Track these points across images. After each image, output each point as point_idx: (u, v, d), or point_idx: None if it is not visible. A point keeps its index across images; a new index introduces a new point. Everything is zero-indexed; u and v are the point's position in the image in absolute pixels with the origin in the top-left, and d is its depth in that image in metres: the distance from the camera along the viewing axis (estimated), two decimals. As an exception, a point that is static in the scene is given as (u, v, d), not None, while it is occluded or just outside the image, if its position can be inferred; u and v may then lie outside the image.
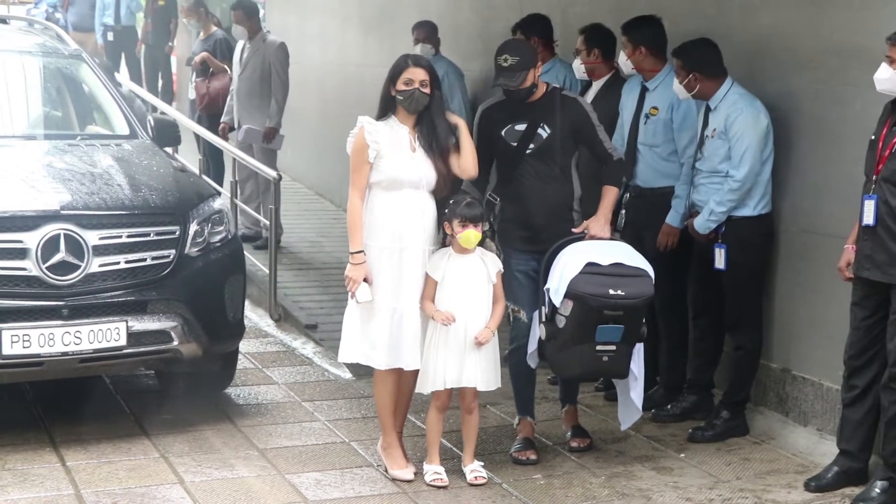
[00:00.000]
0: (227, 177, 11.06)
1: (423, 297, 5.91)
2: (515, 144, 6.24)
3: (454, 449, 6.35)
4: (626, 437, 6.62)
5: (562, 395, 6.72)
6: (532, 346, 6.17)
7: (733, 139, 6.52)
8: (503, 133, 6.25)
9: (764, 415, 6.88)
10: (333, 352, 8.00)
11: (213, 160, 11.63)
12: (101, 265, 6.29)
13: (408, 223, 5.90)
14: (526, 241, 6.24)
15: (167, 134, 7.83)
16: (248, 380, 7.69)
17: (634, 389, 6.18)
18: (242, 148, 10.71)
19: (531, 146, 6.23)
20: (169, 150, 8.04)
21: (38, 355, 6.13)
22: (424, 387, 5.96)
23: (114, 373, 7.38)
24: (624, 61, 7.06)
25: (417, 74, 5.89)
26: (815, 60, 6.49)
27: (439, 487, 5.92)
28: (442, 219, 5.95)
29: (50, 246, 6.17)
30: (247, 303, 7.56)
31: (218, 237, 6.84)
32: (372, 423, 6.82)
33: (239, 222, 10.37)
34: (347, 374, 7.83)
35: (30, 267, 6.14)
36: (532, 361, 6.25)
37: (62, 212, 6.29)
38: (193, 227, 6.65)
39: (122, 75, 16.16)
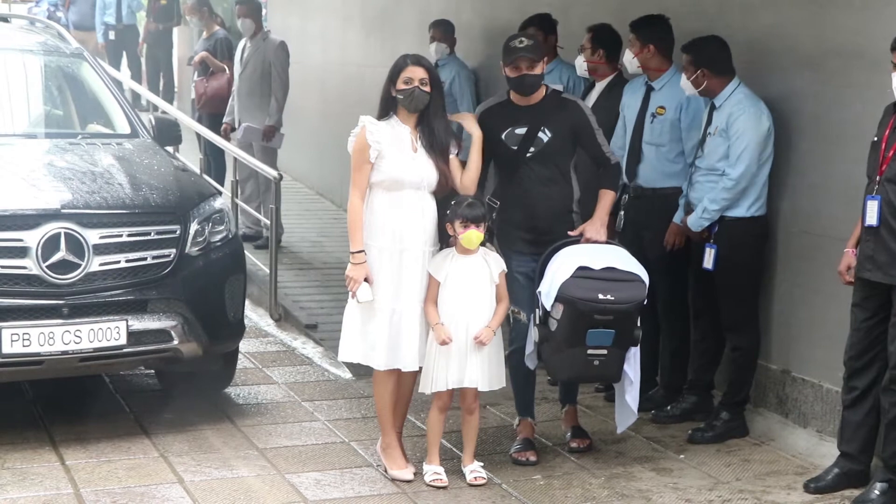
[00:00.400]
0: (228, 176, 11.06)
1: (427, 300, 5.92)
2: (516, 148, 6.24)
3: (454, 449, 6.35)
4: (626, 438, 6.62)
5: (561, 395, 6.72)
6: (530, 347, 6.17)
7: (733, 137, 6.52)
8: (503, 137, 6.25)
9: (764, 416, 6.88)
10: (334, 352, 8.00)
11: (214, 159, 11.64)
12: (101, 264, 6.29)
13: (408, 224, 5.90)
14: (527, 244, 6.24)
15: (168, 133, 7.83)
16: (248, 379, 7.69)
17: (629, 393, 6.18)
18: (242, 146, 10.71)
19: (531, 149, 6.23)
20: (170, 149, 8.04)
21: (38, 354, 6.13)
22: (426, 387, 5.96)
23: (114, 372, 7.39)
24: (630, 59, 7.03)
25: (417, 73, 5.89)
26: (816, 61, 6.49)
27: (439, 488, 5.92)
28: (444, 219, 5.95)
29: (50, 245, 6.17)
30: (247, 302, 7.56)
31: (218, 236, 6.84)
32: (372, 423, 6.81)
33: (239, 222, 10.37)
34: (347, 374, 7.83)
35: (30, 265, 6.14)
36: (530, 362, 6.25)
37: (63, 210, 6.29)
38: (194, 227, 6.65)
39: (123, 74, 16.18)
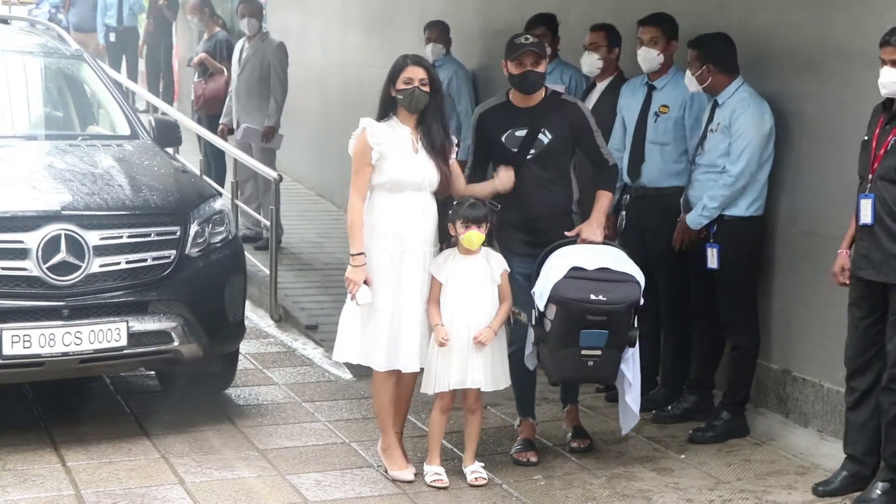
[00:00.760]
0: (228, 177, 11.06)
1: (430, 300, 5.92)
2: (516, 150, 6.24)
3: (454, 450, 6.35)
4: (627, 438, 6.62)
5: (562, 395, 6.72)
6: (529, 347, 6.16)
7: (735, 135, 6.53)
8: (503, 139, 6.25)
9: (764, 416, 6.88)
10: (334, 352, 8.03)
11: (214, 161, 11.64)
12: (101, 265, 6.29)
13: (409, 225, 5.89)
14: (526, 245, 6.23)
15: (168, 134, 7.83)
16: (249, 380, 7.69)
17: (629, 394, 6.17)
18: (241, 147, 10.71)
19: (532, 151, 6.23)
20: (170, 150, 8.04)
21: (38, 355, 6.13)
22: (428, 388, 5.97)
23: (114, 373, 7.39)
24: (654, 56, 6.98)
25: (417, 73, 5.89)
26: (817, 61, 6.49)
27: (440, 488, 5.92)
28: (445, 220, 5.95)
29: (51, 246, 6.17)
30: (247, 303, 7.56)
31: (219, 238, 6.84)
32: (372, 424, 6.81)
33: (240, 223, 10.37)
34: (348, 375, 7.83)
35: (30, 267, 6.14)
36: (530, 363, 6.25)
37: (63, 212, 6.29)
38: (194, 228, 6.65)
39: (122, 75, 16.18)
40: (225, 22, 13.10)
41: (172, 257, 6.52)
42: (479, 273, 5.94)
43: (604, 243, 6.22)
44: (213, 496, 5.79)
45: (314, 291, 9.82)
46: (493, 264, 5.98)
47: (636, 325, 6.01)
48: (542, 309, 5.94)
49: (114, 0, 17.70)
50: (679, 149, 6.97)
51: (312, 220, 12.44)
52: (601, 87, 7.54)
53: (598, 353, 5.92)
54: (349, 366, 7.62)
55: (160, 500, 5.73)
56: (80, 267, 6.22)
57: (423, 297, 5.93)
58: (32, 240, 6.16)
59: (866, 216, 5.59)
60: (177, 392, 7.08)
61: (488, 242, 6.05)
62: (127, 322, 6.28)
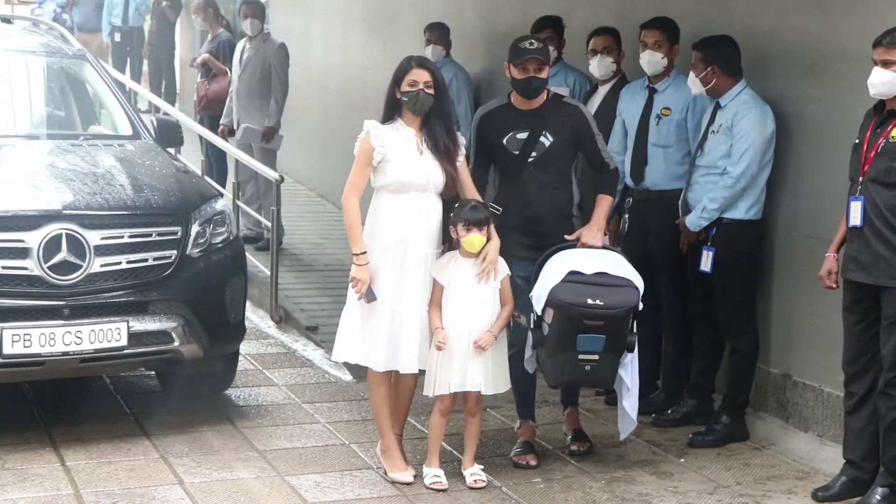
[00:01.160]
0: (230, 178, 11.06)
1: (431, 303, 5.92)
2: (517, 153, 6.23)
3: (454, 452, 6.34)
4: (627, 442, 6.61)
5: (563, 398, 6.72)
6: (529, 350, 6.16)
7: (736, 136, 6.53)
8: (504, 142, 6.25)
9: (764, 420, 6.88)
10: (334, 354, 8.03)
11: (215, 161, 11.64)
12: (102, 265, 6.29)
13: (412, 226, 5.89)
14: (527, 248, 6.23)
15: (170, 135, 7.83)
16: (249, 381, 7.69)
17: (627, 399, 6.16)
18: (241, 148, 10.71)
19: (533, 154, 6.22)
20: (171, 150, 8.04)
21: (38, 355, 6.13)
22: (429, 390, 5.97)
23: (114, 373, 7.39)
24: (659, 60, 6.97)
25: (421, 76, 5.89)
26: (818, 65, 6.49)
27: (439, 491, 5.92)
28: (448, 221, 5.95)
29: (52, 245, 6.17)
30: (248, 304, 7.56)
31: (220, 238, 6.84)
32: (372, 426, 6.80)
33: (240, 224, 10.37)
34: (348, 376, 7.82)
35: (31, 266, 6.14)
36: (529, 366, 6.25)
37: (64, 211, 6.29)
38: (195, 228, 6.65)
39: (126, 76, 16.18)
40: (229, 23, 13.10)
41: (173, 257, 6.52)
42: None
43: (604, 248, 6.21)
44: (213, 497, 5.78)
45: (315, 293, 9.82)
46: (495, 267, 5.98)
47: (635, 330, 6.00)
48: (539, 313, 5.94)
49: (120, 0, 17.70)
50: (682, 151, 6.98)
51: (313, 222, 12.44)
52: (604, 90, 7.53)
53: (596, 357, 5.91)
54: (349, 367, 7.62)
55: (159, 500, 5.73)
56: (80, 266, 6.22)
57: (424, 299, 5.93)
58: (33, 239, 6.16)
59: (856, 218, 5.63)
60: (176, 392, 7.08)
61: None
62: (127, 322, 6.28)
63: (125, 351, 6.31)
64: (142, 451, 6.35)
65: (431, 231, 5.94)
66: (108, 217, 6.42)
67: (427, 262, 5.93)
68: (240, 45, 11.23)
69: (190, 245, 6.61)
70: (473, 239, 5.85)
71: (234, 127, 11.09)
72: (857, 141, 5.73)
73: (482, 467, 6.09)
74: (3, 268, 6.12)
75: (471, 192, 6.05)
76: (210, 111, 11.77)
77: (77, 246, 6.22)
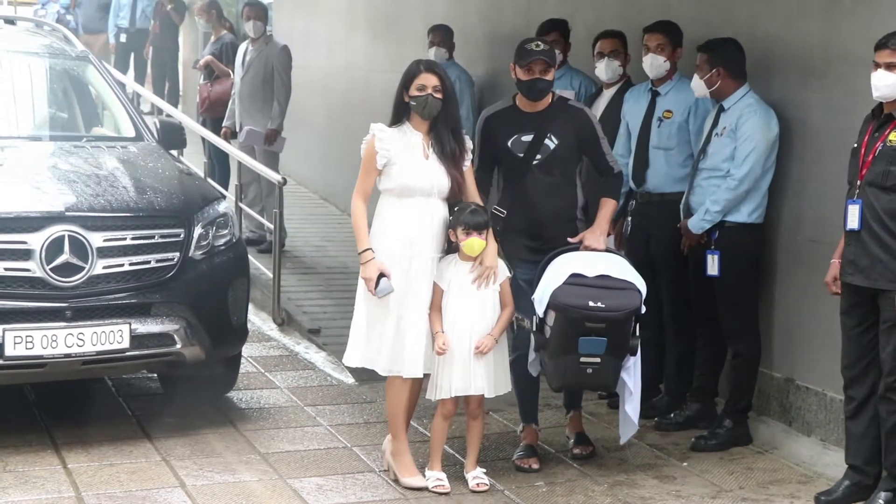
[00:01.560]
0: (232, 180, 11.06)
1: (431, 307, 5.91)
2: (522, 155, 6.23)
3: (456, 455, 6.34)
4: (629, 445, 6.59)
5: (566, 401, 6.71)
6: (532, 354, 6.15)
7: (740, 139, 6.53)
8: (509, 144, 6.24)
9: (767, 424, 6.87)
10: (337, 356, 8.03)
11: (218, 163, 11.63)
12: (105, 267, 6.29)
13: (418, 230, 5.87)
14: (531, 251, 6.22)
15: (173, 137, 7.83)
16: (251, 384, 7.68)
17: (629, 403, 6.15)
18: (244, 150, 10.70)
19: (538, 157, 6.22)
20: (174, 152, 8.03)
21: (40, 357, 6.12)
22: (432, 394, 5.96)
23: (116, 375, 7.38)
24: (661, 63, 6.97)
25: (430, 80, 5.87)
26: (822, 69, 6.49)
27: (441, 494, 5.91)
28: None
29: (54, 247, 6.17)
30: (250, 306, 7.55)
31: (222, 240, 6.83)
32: (374, 429, 6.81)
33: (243, 226, 10.36)
34: (350, 379, 7.82)
35: (34, 268, 6.14)
36: (533, 369, 6.24)
37: (67, 213, 6.29)
38: (198, 231, 6.65)
39: (129, 77, 16.18)
40: (232, 25, 13.09)
41: (176, 260, 6.52)
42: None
43: (606, 251, 6.20)
44: (214, 499, 5.78)
45: (317, 295, 9.82)
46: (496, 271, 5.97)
47: (637, 333, 5.99)
48: (541, 315, 5.93)
49: (127, 1, 17.71)
50: (683, 154, 6.97)
51: (316, 224, 12.44)
52: (609, 94, 7.52)
53: (598, 360, 5.90)
54: (352, 370, 7.61)
55: (161, 502, 5.72)
56: (83, 268, 6.21)
57: (429, 303, 5.92)
58: (36, 241, 6.16)
59: (853, 222, 5.64)
60: (179, 395, 7.07)
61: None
62: (130, 324, 6.27)
63: (127, 353, 6.30)
64: (143, 454, 6.34)
65: (437, 235, 5.93)
66: (111, 219, 6.41)
67: (433, 266, 5.91)
68: (242, 47, 11.23)
69: (192, 247, 6.60)
70: (473, 243, 5.84)
71: (237, 129, 11.09)
72: (856, 145, 5.74)
73: (485, 471, 6.08)
74: (6, 269, 6.12)
75: (473, 195, 6.04)
76: (213, 113, 11.77)
77: (79, 248, 6.22)
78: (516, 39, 6.42)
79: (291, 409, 7.24)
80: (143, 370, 7.09)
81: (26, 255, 6.14)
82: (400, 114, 5.97)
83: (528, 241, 6.25)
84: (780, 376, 6.83)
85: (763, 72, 6.77)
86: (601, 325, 5.83)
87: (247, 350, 7.76)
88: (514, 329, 6.23)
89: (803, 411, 6.67)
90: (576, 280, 5.87)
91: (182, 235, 6.58)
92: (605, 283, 5.90)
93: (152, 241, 6.48)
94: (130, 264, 6.37)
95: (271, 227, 9.61)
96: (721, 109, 6.68)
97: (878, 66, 5.54)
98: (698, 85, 6.67)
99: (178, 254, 6.53)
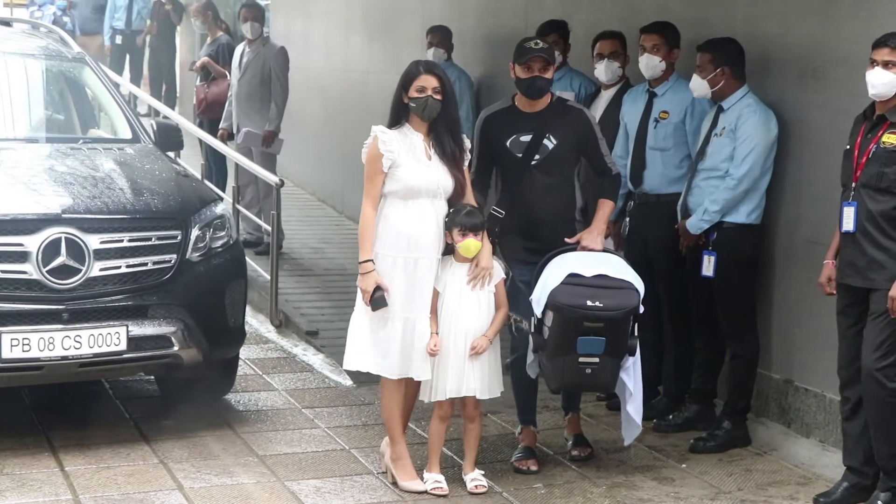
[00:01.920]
0: (230, 182, 11.05)
1: (430, 309, 5.89)
2: (520, 155, 6.22)
3: (454, 457, 6.33)
4: (629, 447, 6.58)
5: (564, 403, 6.70)
6: (531, 355, 6.14)
7: (740, 139, 6.53)
8: (508, 144, 6.23)
9: (766, 426, 6.86)
10: (334, 358, 8.02)
11: (215, 165, 11.63)
12: (101, 269, 6.27)
13: (423, 232, 5.85)
14: (529, 252, 6.21)
15: (170, 138, 7.81)
16: (249, 386, 7.67)
17: (631, 404, 6.14)
18: (241, 152, 10.70)
19: (536, 157, 6.21)
20: (171, 154, 8.02)
21: (37, 359, 6.11)
22: (427, 396, 5.94)
23: (114, 377, 7.37)
24: (657, 63, 6.96)
25: (430, 82, 5.85)
26: (821, 70, 6.48)
27: (439, 496, 5.89)
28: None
29: (51, 249, 6.15)
30: (248, 309, 7.53)
31: (219, 242, 6.82)
32: (372, 431, 6.80)
33: (240, 228, 10.35)
34: (348, 382, 7.80)
35: (30, 270, 6.12)
36: (532, 371, 6.23)
37: (63, 215, 6.28)
38: (195, 232, 6.63)
39: (124, 78, 16.17)
40: (228, 26, 13.09)
41: (173, 262, 6.51)
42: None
43: (604, 251, 6.20)
44: (212, 502, 5.76)
45: (315, 297, 9.81)
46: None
47: (636, 333, 5.98)
48: (539, 315, 5.92)
49: (123, 3, 17.70)
50: (680, 154, 6.97)
51: (314, 226, 12.43)
52: (608, 95, 7.52)
53: (596, 360, 5.89)
54: (349, 372, 7.59)
55: (158, 505, 5.73)
56: (80, 270, 6.20)
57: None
58: (32, 243, 6.14)
59: (848, 224, 5.66)
60: (176, 397, 7.06)
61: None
62: (127, 326, 6.26)
63: (124, 355, 6.29)
64: (141, 457, 6.33)
65: (441, 237, 5.90)
66: (108, 221, 6.40)
67: (436, 268, 5.89)
68: (239, 48, 11.22)
69: (190, 249, 6.59)
70: (470, 244, 5.83)
71: (234, 131, 11.08)
72: (848, 147, 5.75)
73: (483, 472, 6.07)
74: (2, 272, 6.10)
75: (469, 197, 6.02)
76: (210, 115, 11.76)
77: (76, 250, 6.20)
78: (514, 40, 6.42)
79: (289, 411, 7.23)
80: (140, 372, 7.07)
81: (23, 257, 6.13)
82: (399, 115, 5.95)
83: (527, 241, 6.24)
84: (779, 377, 6.83)
85: (761, 73, 6.76)
86: (599, 325, 5.82)
87: (244, 352, 7.75)
88: (513, 331, 6.22)
89: (802, 413, 6.66)
90: (573, 280, 5.86)
91: (179, 237, 6.56)
92: (602, 283, 5.89)
93: (149, 243, 6.47)
94: (127, 266, 6.36)
95: (269, 228, 9.60)
96: (720, 110, 6.67)
97: (875, 63, 5.56)
98: (700, 85, 6.64)
99: (175, 256, 6.52)
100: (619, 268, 6.04)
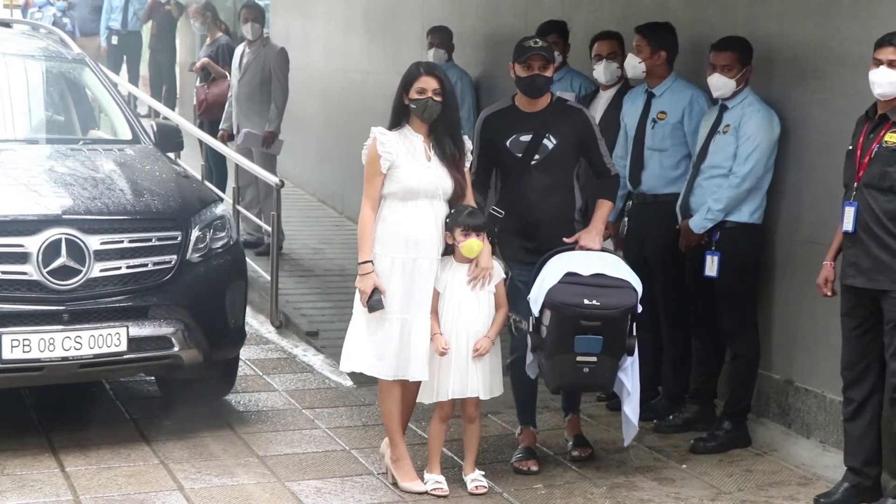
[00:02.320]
0: (230, 182, 11.05)
1: (430, 310, 5.89)
2: (520, 155, 6.22)
3: (455, 458, 6.32)
4: (629, 448, 6.58)
5: (564, 403, 6.70)
6: (530, 356, 6.14)
7: (743, 137, 6.53)
8: (508, 144, 6.23)
9: (766, 426, 6.86)
10: (334, 359, 8.01)
11: (215, 166, 11.63)
12: (102, 270, 6.27)
13: (422, 233, 5.84)
14: (528, 252, 6.21)
15: (170, 139, 7.81)
16: (249, 386, 7.67)
17: (628, 404, 6.13)
18: (241, 152, 10.70)
19: (536, 156, 6.21)
20: (171, 155, 8.02)
21: (38, 360, 6.11)
22: (428, 397, 5.94)
23: (114, 378, 7.37)
24: (636, 64, 7.00)
25: (430, 84, 5.84)
26: (821, 70, 6.48)
27: (440, 497, 5.89)
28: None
29: (51, 250, 6.15)
30: (248, 309, 7.54)
31: (220, 243, 6.82)
32: (372, 431, 6.80)
33: (241, 228, 10.35)
34: (348, 382, 7.80)
35: (31, 271, 6.12)
36: (531, 371, 6.23)
37: (64, 216, 6.28)
38: (195, 233, 6.63)
39: (122, 78, 16.17)
40: (227, 27, 13.08)
41: (173, 262, 6.51)
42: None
43: (603, 250, 6.20)
44: (213, 503, 5.76)
45: (315, 298, 9.81)
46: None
47: (634, 333, 5.98)
48: (537, 315, 5.92)
49: (119, 3, 17.69)
50: (677, 155, 6.97)
51: (314, 227, 12.43)
52: (607, 96, 7.52)
53: (594, 359, 5.88)
54: (349, 373, 7.60)
55: (159, 506, 5.73)
56: (80, 271, 6.20)
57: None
58: (33, 244, 6.14)
59: (848, 224, 5.66)
60: (176, 398, 7.06)
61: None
62: (127, 327, 6.26)
63: (125, 356, 6.29)
64: (141, 457, 6.33)
65: (440, 237, 5.90)
66: (108, 222, 6.40)
67: (435, 268, 5.89)
68: (239, 48, 11.22)
69: (190, 250, 6.59)
70: (472, 244, 5.83)
71: (234, 132, 11.08)
72: (851, 147, 5.75)
73: (483, 473, 6.07)
74: (3, 273, 6.10)
75: (469, 198, 6.02)
76: (210, 115, 11.76)
77: (76, 251, 6.20)
78: (515, 40, 6.42)
79: (289, 411, 7.23)
80: (140, 373, 7.07)
81: (23, 258, 6.13)
82: (399, 116, 5.95)
83: (526, 242, 6.24)
84: (779, 378, 6.83)
85: (761, 73, 6.76)
86: (597, 324, 5.82)
87: (244, 353, 7.75)
88: (513, 331, 6.22)
89: (802, 413, 6.66)
90: (571, 279, 5.86)
91: (179, 238, 6.56)
92: (600, 282, 5.89)
93: (149, 243, 6.46)
94: (128, 267, 6.36)
95: (269, 229, 9.60)
96: (723, 108, 6.67)
97: (879, 63, 5.54)
98: (725, 84, 6.57)
99: (175, 256, 6.52)
100: (616, 267, 6.04)
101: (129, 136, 7.69)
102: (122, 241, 6.37)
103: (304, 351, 8.61)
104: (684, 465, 6.47)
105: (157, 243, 6.49)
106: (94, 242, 6.27)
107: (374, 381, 6.17)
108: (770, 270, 6.83)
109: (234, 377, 7.30)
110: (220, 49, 12.01)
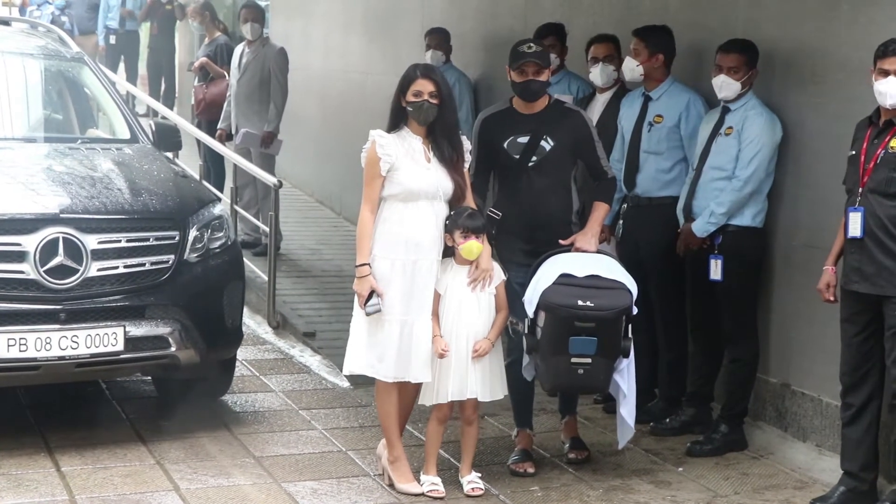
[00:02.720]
0: (228, 183, 11.04)
1: (431, 312, 5.89)
2: (517, 157, 6.22)
3: (451, 459, 6.32)
4: (625, 450, 6.58)
5: (561, 405, 6.70)
6: (527, 358, 6.14)
7: (745, 140, 6.53)
8: (505, 145, 6.24)
9: (763, 430, 6.86)
10: (332, 360, 8.03)
11: (213, 166, 11.62)
12: (99, 269, 6.27)
13: (423, 234, 5.84)
14: (526, 254, 6.22)
15: (168, 139, 7.81)
16: (246, 387, 7.67)
17: (624, 406, 6.13)
18: (240, 152, 10.69)
19: (534, 158, 6.21)
20: (169, 154, 8.02)
21: (34, 359, 6.10)
22: (428, 399, 5.94)
23: (111, 378, 7.37)
24: (633, 67, 7.00)
25: (426, 86, 5.84)
26: (820, 75, 6.48)
27: (436, 498, 5.89)
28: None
29: (48, 249, 6.15)
30: (245, 310, 7.53)
31: (217, 243, 6.81)
32: (369, 433, 6.79)
33: (238, 228, 10.35)
34: (345, 383, 7.80)
35: (28, 270, 6.12)
36: (528, 374, 6.22)
37: (61, 215, 6.27)
38: (193, 233, 6.63)
39: (119, 77, 16.17)
40: (226, 27, 13.08)
41: (171, 262, 6.50)
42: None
43: (598, 252, 6.20)
44: (208, 503, 5.75)
45: (312, 298, 9.80)
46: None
47: (629, 335, 5.98)
48: (532, 316, 5.92)
49: (116, 2, 17.68)
50: (673, 158, 6.98)
51: (312, 227, 12.42)
52: (604, 99, 7.52)
53: (588, 360, 5.88)
54: (347, 374, 7.59)
55: (155, 506, 5.72)
56: (77, 270, 6.20)
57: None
58: (30, 242, 6.13)
59: (855, 229, 5.63)
60: (173, 398, 7.05)
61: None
62: (124, 327, 6.26)
63: (122, 356, 6.28)
64: (138, 457, 6.32)
65: (440, 239, 5.90)
66: (106, 221, 6.40)
67: (436, 270, 5.89)
68: (238, 48, 11.21)
69: (188, 250, 6.59)
70: (472, 246, 5.83)
71: (233, 131, 11.07)
72: (854, 152, 5.73)
73: (480, 475, 6.07)
74: (0, 271, 6.09)
75: (469, 200, 6.02)
76: (208, 115, 11.75)
77: (74, 250, 6.20)
78: (513, 42, 6.42)
79: (286, 412, 7.22)
80: (137, 373, 7.07)
81: (20, 257, 6.12)
82: (398, 119, 5.94)
83: (523, 243, 6.24)
84: (776, 381, 6.83)
85: (761, 77, 6.75)
86: (591, 325, 5.82)
87: (242, 353, 7.74)
88: (511, 333, 6.22)
89: (799, 417, 6.66)
90: (565, 280, 5.87)
91: (177, 238, 6.56)
92: (594, 283, 5.89)
93: (147, 243, 6.46)
94: (125, 266, 6.35)
95: (267, 229, 9.60)
96: (726, 111, 6.66)
97: (886, 73, 5.49)
98: (732, 86, 6.57)
99: (172, 256, 6.52)
100: (611, 268, 6.05)
101: (127, 136, 7.69)
102: (120, 241, 6.37)
103: (301, 352, 8.61)
104: (681, 468, 6.47)
105: (155, 243, 6.49)
106: (91, 242, 6.26)
107: (370, 383, 6.17)
108: (768, 274, 6.83)
109: (231, 377, 7.30)
110: (219, 48, 12.00)
